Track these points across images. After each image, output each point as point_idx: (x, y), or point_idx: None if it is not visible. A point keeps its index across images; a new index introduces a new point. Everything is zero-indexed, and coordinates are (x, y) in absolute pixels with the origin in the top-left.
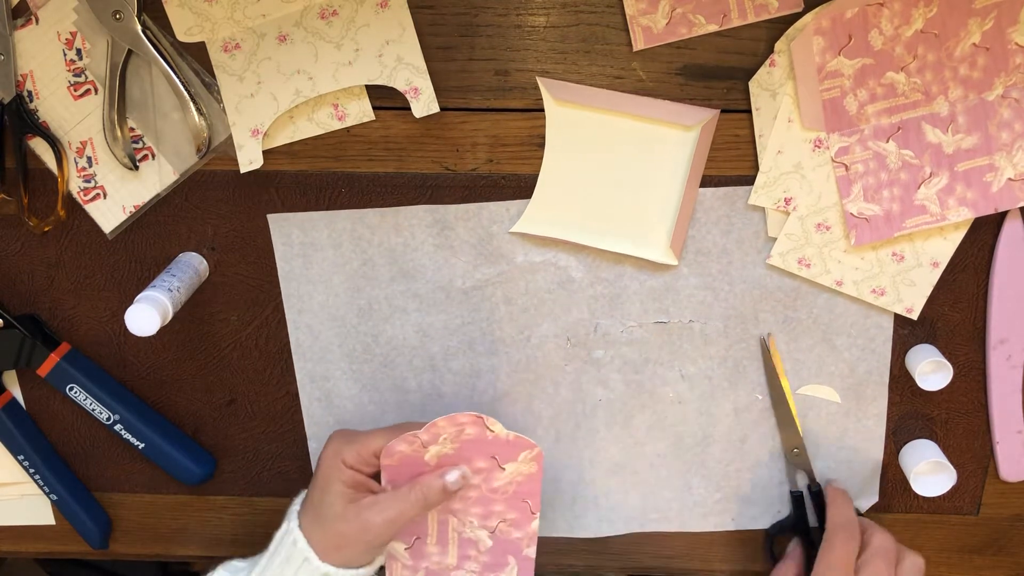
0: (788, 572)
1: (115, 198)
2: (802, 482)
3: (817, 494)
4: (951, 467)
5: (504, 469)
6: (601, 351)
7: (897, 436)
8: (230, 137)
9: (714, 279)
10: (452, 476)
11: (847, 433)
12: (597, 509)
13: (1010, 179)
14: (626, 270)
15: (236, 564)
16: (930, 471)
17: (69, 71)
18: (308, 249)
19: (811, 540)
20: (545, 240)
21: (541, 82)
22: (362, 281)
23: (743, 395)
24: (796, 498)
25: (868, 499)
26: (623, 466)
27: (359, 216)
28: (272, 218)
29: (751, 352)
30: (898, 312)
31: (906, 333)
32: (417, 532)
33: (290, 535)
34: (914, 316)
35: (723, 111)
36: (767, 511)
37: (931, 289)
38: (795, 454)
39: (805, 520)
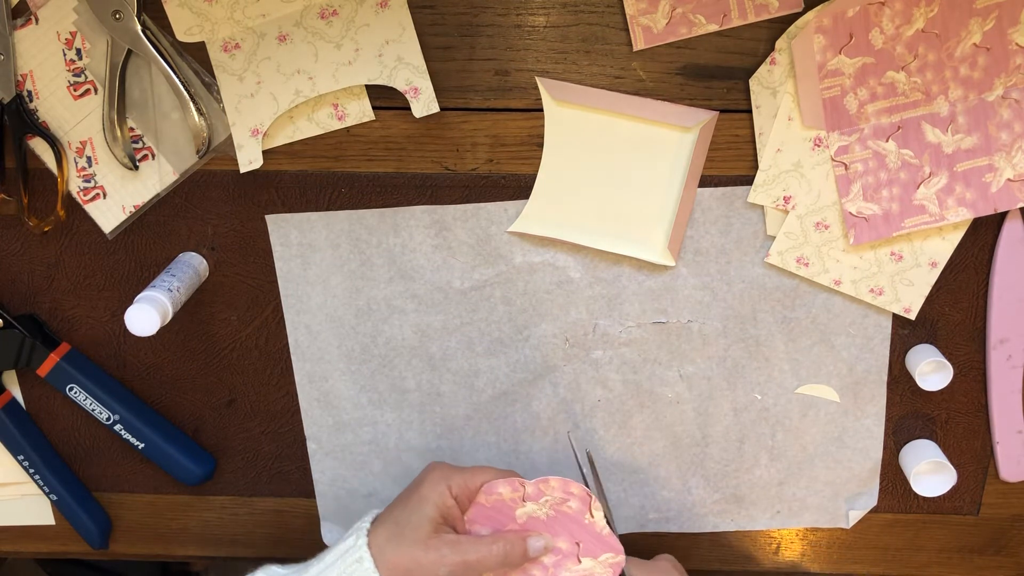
0: None
1: (115, 198)
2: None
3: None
4: (951, 467)
5: (580, 562)
6: (600, 351)
7: (897, 436)
8: (230, 137)
9: (712, 279)
10: (537, 543)
11: (846, 433)
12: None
13: (1009, 180)
14: (624, 270)
15: (275, 570)
16: (930, 471)
17: (69, 71)
18: (306, 250)
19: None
20: (543, 240)
21: (540, 82)
22: (360, 282)
23: (741, 395)
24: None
25: (867, 499)
26: (621, 466)
27: (357, 217)
28: (270, 219)
29: (749, 352)
30: (896, 312)
31: (906, 333)
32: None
33: (356, 551)
34: (912, 316)
35: (723, 111)
36: (766, 511)
37: (929, 289)
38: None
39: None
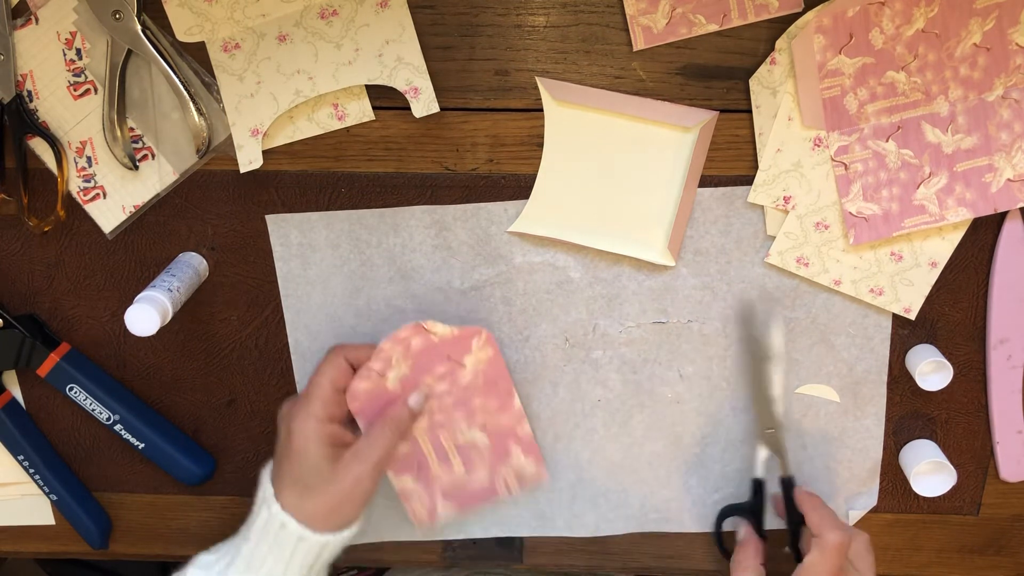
0: (749, 559)
1: (115, 198)
2: (761, 470)
3: (787, 484)
4: (951, 467)
5: (465, 365)
6: (599, 351)
7: (897, 436)
8: (230, 137)
9: (712, 279)
10: (413, 399)
11: (846, 433)
12: (596, 509)
13: (1009, 180)
14: (624, 270)
15: (206, 559)
16: (930, 471)
17: (69, 71)
18: (306, 250)
19: (762, 531)
20: (543, 240)
21: (540, 82)
22: (360, 282)
23: (742, 395)
24: (756, 484)
25: (867, 499)
26: (621, 466)
27: (357, 217)
28: (270, 219)
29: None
30: (896, 312)
31: (906, 333)
32: (417, 460)
33: (274, 520)
34: (912, 316)
35: (723, 111)
36: (766, 511)
37: (929, 289)
38: (769, 435)
39: (762, 508)
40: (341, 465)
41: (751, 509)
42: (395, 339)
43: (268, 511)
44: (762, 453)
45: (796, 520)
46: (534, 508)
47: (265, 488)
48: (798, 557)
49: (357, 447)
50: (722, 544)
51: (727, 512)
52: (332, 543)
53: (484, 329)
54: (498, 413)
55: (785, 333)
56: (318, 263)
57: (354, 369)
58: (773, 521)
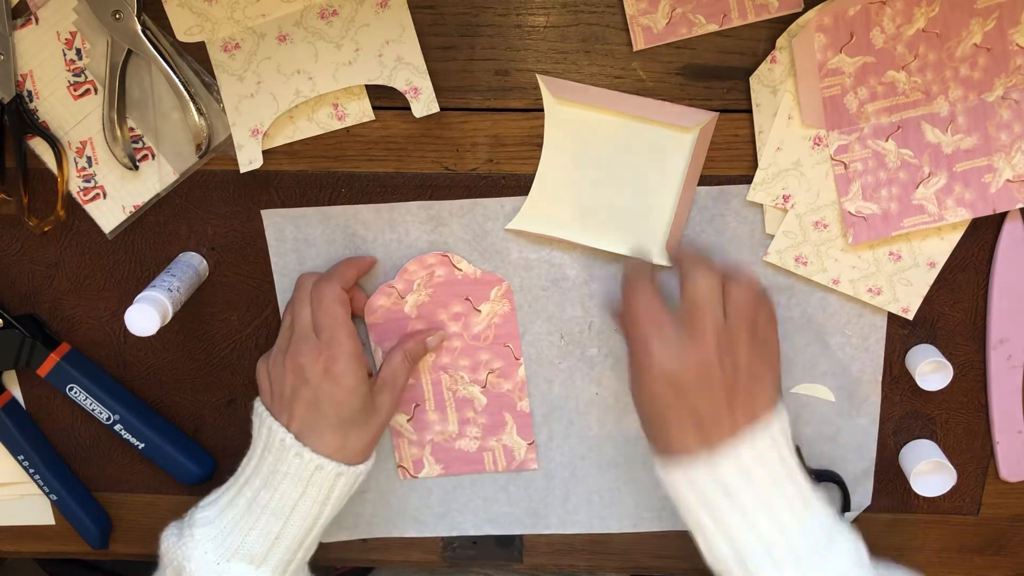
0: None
1: (115, 198)
2: None
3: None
4: (951, 467)
5: (480, 311)
6: (595, 349)
7: (897, 436)
8: (230, 137)
9: None
10: (432, 339)
11: (840, 432)
12: (589, 506)
13: (1008, 180)
14: (621, 267)
15: (206, 514)
16: (930, 471)
17: (69, 71)
18: (302, 245)
19: None
20: (540, 237)
21: (541, 79)
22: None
23: None
24: None
25: (861, 499)
26: (616, 464)
27: (353, 212)
28: (266, 214)
29: None
30: (894, 311)
31: (906, 333)
32: (415, 399)
33: (322, 472)
34: (910, 316)
35: (723, 111)
36: None
37: (928, 289)
38: None
39: None
40: (376, 395)
41: None
42: (421, 261)
43: (299, 459)
44: None
45: None
46: (527, 506)
47: (282, 438)
48: None
49: (382, 377)
50: None
51: None
52: (363, 472)
53: (506, 281)
54: (501, 377)
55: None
56: (314, 258)
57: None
58: None
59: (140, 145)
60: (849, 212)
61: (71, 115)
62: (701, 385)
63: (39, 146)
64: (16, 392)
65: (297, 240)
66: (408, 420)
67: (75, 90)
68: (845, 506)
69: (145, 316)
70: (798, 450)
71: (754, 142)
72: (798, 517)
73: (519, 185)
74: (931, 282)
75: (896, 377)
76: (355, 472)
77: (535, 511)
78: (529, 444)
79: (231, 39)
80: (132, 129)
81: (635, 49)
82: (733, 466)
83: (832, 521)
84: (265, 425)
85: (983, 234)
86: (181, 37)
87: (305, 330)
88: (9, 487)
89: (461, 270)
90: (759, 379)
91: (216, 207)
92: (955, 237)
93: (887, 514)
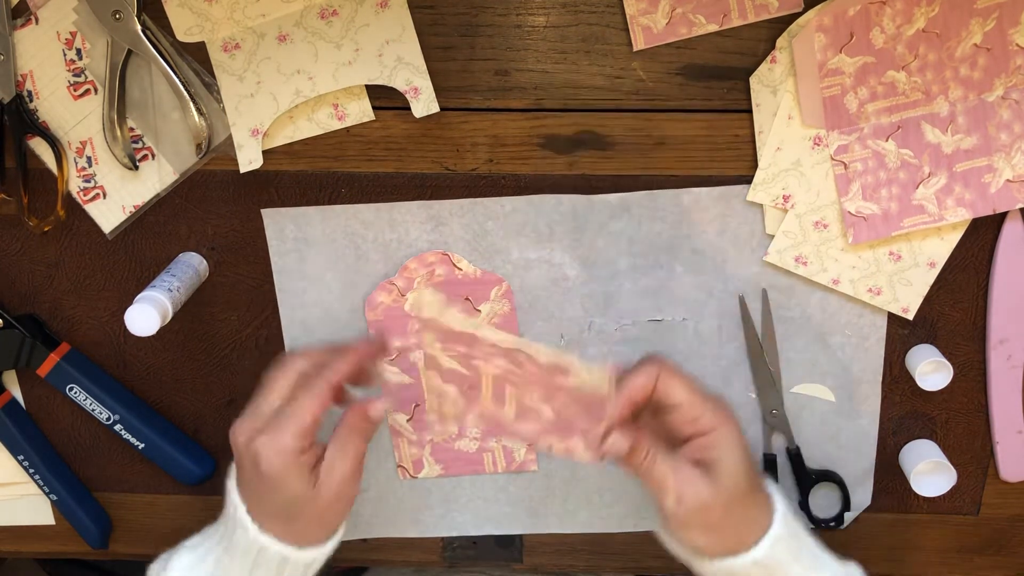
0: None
1: (115, 198)
2: (777, 444)
3: (796, 456)
4: (951, 467)
5: (480, 311)
6: (595, 349)
7: (897, 436)
8: (230, 137)
9: (708, 278)
10: (375, 409)
11: (840, 432)
12: (589, 506)
13: (1008, 180)
14: (620, 268)
15: (183, 561)
16: (930, 471)
17: (69, 71)
18: (302, 244)
19: None
20: (540, 236)
21: None
22: (356, 277)
23: (737, 393)
24: (768, 461)
25: (861, 498)
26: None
27: (353, 212)
28: (266, 213)
29: (745, 350)
30: (894, 311)
31: (906, 333)
32: (415, 399)
33: (266, 554)
34: (910, 316)
35: (723, 111)
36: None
37: (927, 289)
38: (773, 415)
39: (775, 481)
40: (323, 482)
41: None
42: (422, 260)
43: (245, 535)
44: (769, 432)
45: (805, 485)
46: (528, 505)
47: (237, 507)
48: (810, 516)
49: (330, 459)
50: None
51: None
52: (318, 558)
53: (506, 281)
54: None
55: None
56: (314, 258)
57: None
58: (786, 495)
59: (140, 145)
60: (849, 212)
61: (71, 115)
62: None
63: (39, 146)
64: (16, 392)
65: (297, 239)
66: (408, 420)
67: (75, 90)
68: (845, 506)
69: (145, 316)
70: (798, 451)
71: (754, 142)
72: None
73: (519, 185)
74: (931, 282)
75: (896, 377)
76: (306, 559)
77: (535, 511)
78: (529, 445)
79: (231, 39)
80: (132, 129)
81: (635, 49)
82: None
83: None
84: (227, 487)
85: (983, 234)
86: (181, 37)
87: (257, 405)
88: (9, 487)
89: (461, 269)
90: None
91: (216, 207)
92: (955, 237)
93: (887, 514)
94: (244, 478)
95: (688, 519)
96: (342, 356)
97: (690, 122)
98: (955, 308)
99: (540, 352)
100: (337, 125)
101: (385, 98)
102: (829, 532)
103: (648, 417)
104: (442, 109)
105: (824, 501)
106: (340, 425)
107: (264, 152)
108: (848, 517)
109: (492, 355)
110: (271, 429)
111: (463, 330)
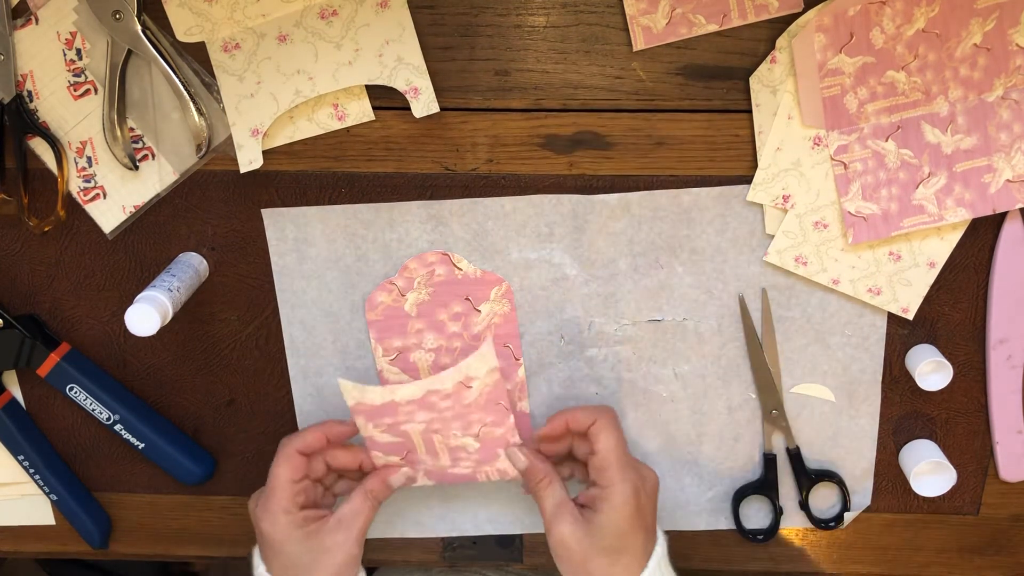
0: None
1: (115, 198)
2: (777, 444)
3: (796, 455)
4: (951, 467)
5: (480, 311)
6: (595, 349)
7: (897, 436)
8: (230, 137)
9: (708, 278)
10: (396, 479)
11: (840, 432)
12: None
13: (1008, 180)
14: (620, 268)
15: None
16: (930, 471)
17: (69, 71)
18: (302, 244)
19: (778, 505)
20: (540, 236)
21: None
22: (356, 277)
23: (736, 394)
24: (768, 460)
25: (861, 499)
26: None
27: (353, 211)
28: (266, 212)
29: (745, 350)
30: (893, 311)
31: (906, 333)
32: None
33: None
34: (909, 316)
35: (723, 111)
36: (761, 510)
37: (927, 289)
38: (773, 416)
39: (775, 484)
40: (327, 536)
41: (764, 484)
42: (422, 259)
43: None
44: (769, 432)
45: (805, 485)
46: (527, 506)
47: (258, 568)
48: (810, 516)
49: (341, 515)
50: (740, 525)
51: (742, 492)
52: None
53: (506, 281)
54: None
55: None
56: (313, 258)
57: (307, 455)
58: (786, 494)
59: (140, 145)
60: (849, 212)
61: (71, 115)
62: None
63: (39, 146)
64: (16, 392)
65: (297, 239)
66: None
67: (75, 90)
68: (845, 506)
69: (145, 316)
70: (798, 451)
71: (754, 142)
72: None
73: (519, 185)
74: (931, 282)
75: (896, 377)
76: None
77: (535, 511)
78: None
79: (231, 39)
80: (132, 129)
81: (635, 49)
82: None
83: None
84: (253, 563)
85: (983, 234)
86: (181, 37)
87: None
88: (9, 487)
89: (461, 269)
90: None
91: (216, 207)
92: (955, 237)
93: (887, 514)
94: (260, 545)
95: (554, 549)
96: (316, 426)
97: (690, 122)
98: (955, 308)
99: (443, 380)
100: (337, 125)
101: (385, 98)
102: (829, 532)
103: (583, 452)
104: (442, 109)
105: (824, 501)
106: (356, 489)
107: (264, 152)
108: (848, 517)
109: (412, 412)
110: (264, 500)
111: (383, 401)
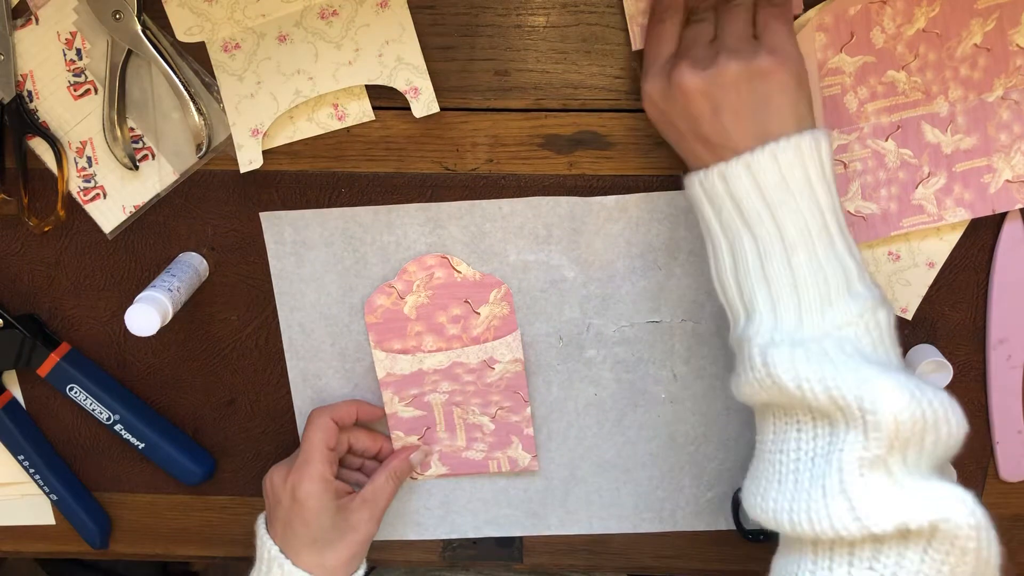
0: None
1: (115, 198)
2: None
3: None
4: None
5: (479, 314)
6: (593, 350)
7: None
8: (230, 137)
9: (707, 279)
10: (416, 456)
11: None
12: (589, 507)
13: (1008, 181)
14: (618, 270)
15: None
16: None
17: (69, 71)
18: (300, 247)
19: None
20: (538, 238)
21: None
22: (355, 280)
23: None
24: None
25: None
26: (615, 465)
27: (351, 214)
28: (264, 216)
29: None
30: None
31: (906, 333)
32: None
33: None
34: (909, 316)
35: None
36: None
37: (926, 289)
38: None
39: None
40: (353, 513)
41: None
42: (421, 262)
43: (281, 571)
44: None
45: None
46: (527, 507)
47: (269, 549)
48: None
49: (365, 494)
50: (740, 525)
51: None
52: None
53: (505, 284)
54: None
55: None
56: (312, 261)
57: (338, 426)
58: None
59: (140, 145)
60: (848, 212)
61: (71, 115)
62: (687, 112)
63: (39, 146)
64: (16, 392)
65: (296, 243)
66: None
67: (75, 90)
68: None
69: (145, 316)
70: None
71: None
72: (810, 249)
73: (519, 185)
74: (930, 282)
75: None
76: None
77: (534, 512)
78: (532, 457)
79: (231, 39)
80: (132, 129)
81: (635, 49)
82: (743, 173)
83: (854, 273)
84: (259, 535)
85: (983, 234)
86: (181, 37)
87: (293, 454)
88: (9, 487)
89: (461, 272)
90: (763, 100)
91: (216, 207)
92: (954, 237)
93: None
94: (279, 516)
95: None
96: (349, 401)
97: None
98: (955, 308)
99: (469, 354)
100: (337, 125)
101: (385, 98)
102: None
103: None
104: (442, 109)
105: None
106: (379, 468)
107: (264, 152)
108: None
109: (437, 382)
110: (301, 464)
111: (413, 371)
